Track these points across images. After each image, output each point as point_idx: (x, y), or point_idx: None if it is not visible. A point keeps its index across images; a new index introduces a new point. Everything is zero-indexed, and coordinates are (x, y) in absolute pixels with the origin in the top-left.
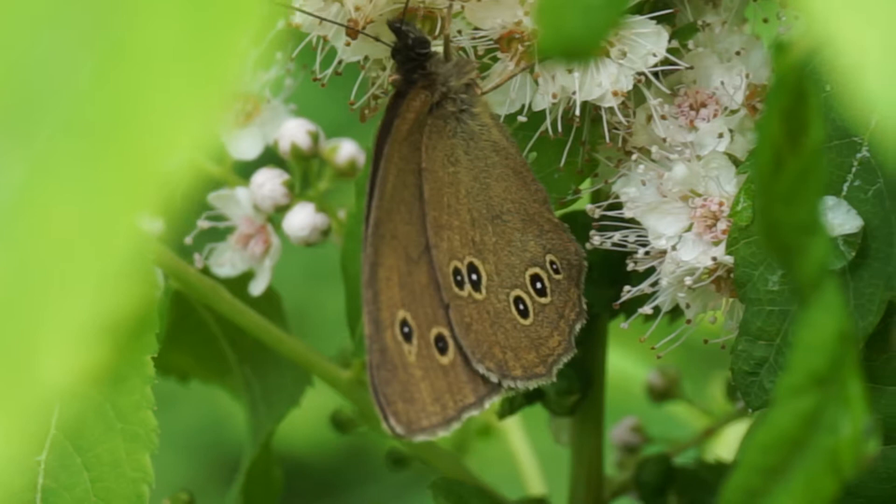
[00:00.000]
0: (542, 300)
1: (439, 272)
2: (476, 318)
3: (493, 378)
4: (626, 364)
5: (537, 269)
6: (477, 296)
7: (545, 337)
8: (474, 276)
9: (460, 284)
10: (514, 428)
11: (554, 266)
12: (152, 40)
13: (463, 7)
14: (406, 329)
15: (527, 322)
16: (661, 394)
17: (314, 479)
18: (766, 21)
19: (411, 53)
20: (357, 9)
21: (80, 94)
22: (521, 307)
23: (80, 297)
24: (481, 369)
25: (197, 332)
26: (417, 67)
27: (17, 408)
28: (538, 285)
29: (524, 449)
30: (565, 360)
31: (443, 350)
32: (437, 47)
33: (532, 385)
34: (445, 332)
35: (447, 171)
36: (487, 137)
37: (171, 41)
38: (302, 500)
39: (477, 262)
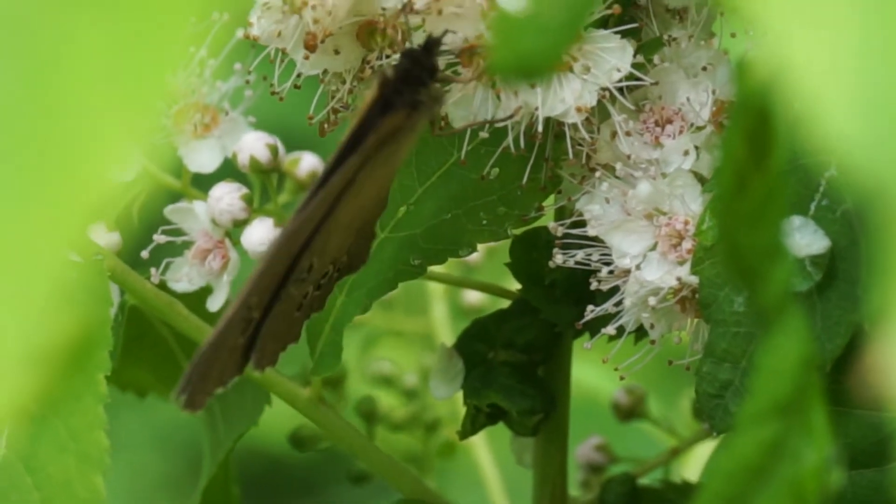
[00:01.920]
0: (315, 293)
1: (298, 267)
2: (280, 311)
3: (251, 362)
4: (592, 380)
5: (331, 267)
6: (294, 291)
7: (294, 328)
8: (305, 275)
9: (297, 281)
10: (479, 445)
11: (341, 265)
12: (83, 50)
13: (423, 20)
14: (245, 315)
15: (297, 315)
16: (628, 412)
17: (288, 478)
18: (733, 36)
19: (422, 74)
20: (315, 21)
21: (10, 108)
22: (303, 301)
23: (12, 324)
24: (254, 355)
25: (154, 347)
26: (415, 90)
27: None
28: (322, 281)
29: (489, 466)
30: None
31: (244, 333)
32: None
33: (263, 370)
34: (256, 318)
35: (362, 184)
36: (398, 158)
37: (104, 51)
38: (276, 499)
39: (315, 262)
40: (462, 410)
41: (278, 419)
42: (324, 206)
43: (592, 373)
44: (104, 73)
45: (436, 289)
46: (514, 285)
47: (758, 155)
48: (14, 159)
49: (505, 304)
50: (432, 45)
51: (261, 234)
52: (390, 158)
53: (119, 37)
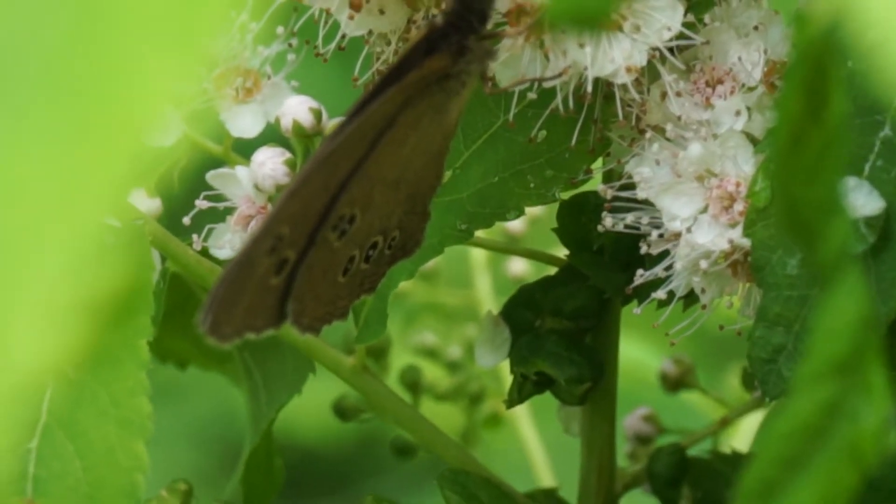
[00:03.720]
0: (364, 266)
1: (334, 211)
2: (319, 262)
3: (288, 317)
4: (639, 352)
5: (380, 238)
6: (336, 244)
7: (341, 298)
8: (346, 226)
9: (335, 229)
10: (523, 417)
11: (393, 241)
12: (127, 7)
13: None
14: (275, 245)
15: (342, 280)
16: (675, 382)
17: (322, 471)
18: None
19: (474, 19)
20: None
21: (51, 63)
22: (349, 266)
23: (55, 276)
24: (290, 305)
25: (195, 316)
26: (463, 35)
27: None
28: (370, 252)
29: (533, 439)
30: (336, 321)
31: (278, 273)
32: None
33: (304, 333)
34: (291, 259)
35: (406, 132)
36: (447, 117)
37: (147, 9)
38: (311, 492)
39: (357, 215)
40: (506, 383)
41: (312, 409)
42: (361, 142)
43: (638, 344)
44: (148, 27)
45: (479, 261)
46: (559, 253)
47: (815, 108)
48: (57, 108)
49: (551, 273)
50: None
51: None
52: (438, 114)
53: None
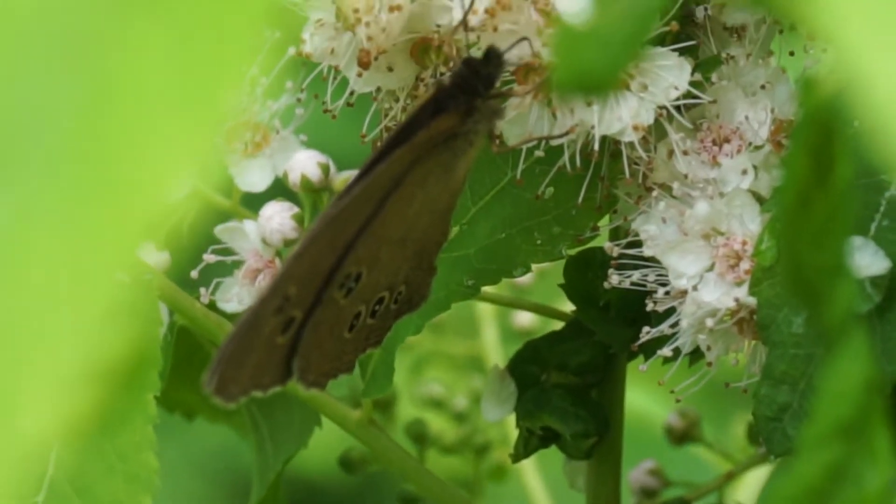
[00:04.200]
0: (370, 321)
1: (341, 270)
2: (325, 319)
3: (294, 374)
4: (645, 403)
5: (387, 293)
6: (342, 301)
7: (346, 353)
8: (352, 284)
9: (342, 287)
10: (528, 469)
11: (399, 296)
12: (142, 71)
13: (479, 37)
14: (282, 305)
15: (348, 336)
16: (681, 436)
17: None
18: (792, 54)
19: (480, 83)
20: (369, 38)
21: (68, 130)
22: (355, 322)
23: (66, 343)
24: (296, 362)
25: (203, 369)
26: (473, 97)
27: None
28: (377, 307)
29: (539, 491)
30: (341, 375)
31: (284, 332)
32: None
33: (309, 389)
34: (298, 318)
35: (413, 190)
36: (454, 175)
37: (162, 72)
38: None
39: (364, 273)
40: (512, 434)
41: (321, 444)
42: (368, 202)
43: (643, 396)
44: (164, 91)
45: (486, 311)
46: (566, 307)
47: (822, 172)
48: (70, 173)
49: (557, 327)
50: (492, 55)
51: None
52: (445, 173)
53: (180, 53)
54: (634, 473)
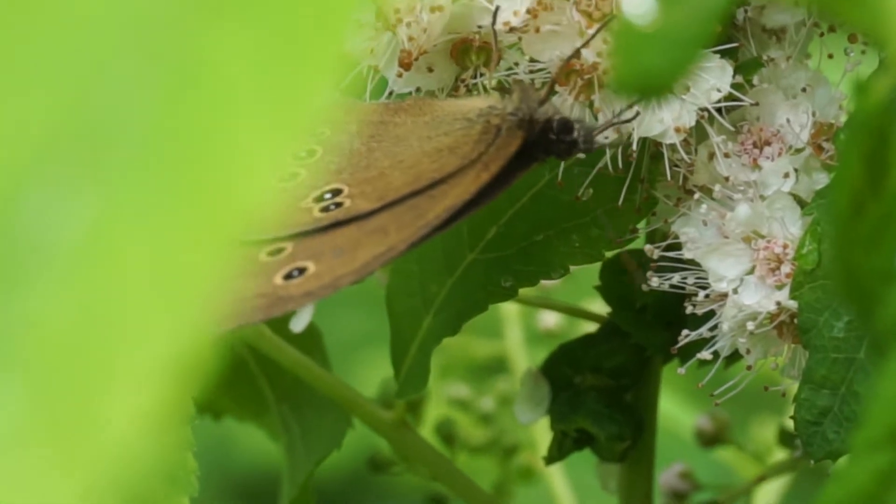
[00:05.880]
0: None
1: None
2: None
3: None
4: (675, 406)
5: None
6: None
7: None
8: None
9: None
10: (555, 470)
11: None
12: (230, 65)
13: (520, 38)
14: None
15: None
16: (711, 439)
17: None
18: (831, 57)
19: (554, 136)
20: (411, 39)
21: (152, 125)
22: None
23: (152, 342)
24: None
25: (234, 370)
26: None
27: (84, 457)
28: None
29: (566, 493)
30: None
31: None
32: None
33: None
34: None
35: None
36: None
37: (251, 67)
38: None
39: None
40: (539, 435)
41: (354, 440)
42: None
43: (672, 399)
44: (250, 86)
45: (510, 313)
46: (592, 307)
47: (875, 177)
48: (157, 170)
49: (583, 327)
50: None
51: None
52: None
53: (267, 46)
54: (665, 476)
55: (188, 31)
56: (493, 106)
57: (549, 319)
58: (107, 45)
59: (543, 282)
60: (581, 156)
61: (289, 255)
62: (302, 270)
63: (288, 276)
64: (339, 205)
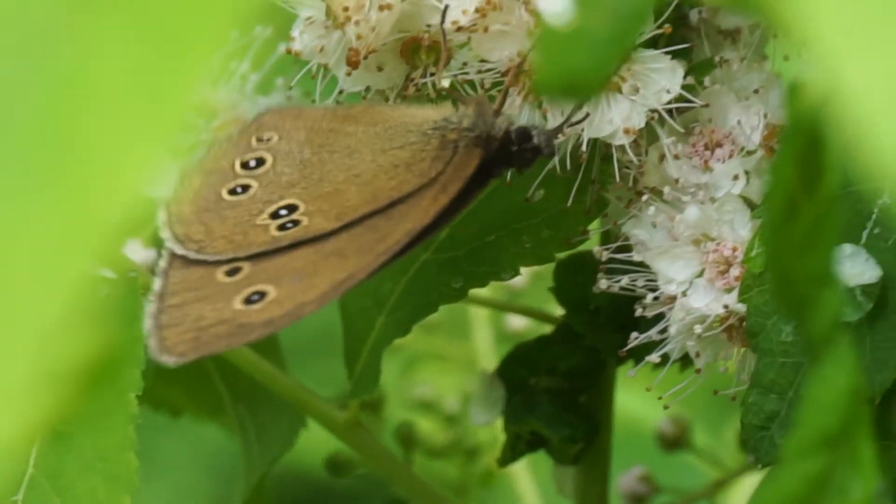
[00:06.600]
0: None
1: None
2: None
3: None
4: (638, 409)
5: None
6: None
7: None
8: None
9: None
10: (520, 473)
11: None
12: (101, 72)
13: (469, 38)
14: None
15: None
16: (672, 442)
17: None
18: (787, 59)
19: (514, 147)
20: (359, 37)
21: (25, 130)
22: None
23: (23, 348)
24: None
25: (190, 367)
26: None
27: None
28: None
29: (531, 495)
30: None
31: None
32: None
33: None
34: None
35: None
36: None
37: (122, 73)
38: None
39: None
40: (503, 437)
41: (317, 442)
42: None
43: (637, 401)
44: (131, 86)
45: (479, 313)
46: (559, 311)
47: (809, 180)
48: (34, 172)
49: (547, 331)
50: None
51: None
52: None
53: (148, 47)
54: (624, 479)
55: (70, 30)
56: (447, 119)
57: (518, 321)
58: None
59: (512, 283)
60: None
61: (246, 276)
62: (262, 295)
63: (247, 301)
64: (296, 223)
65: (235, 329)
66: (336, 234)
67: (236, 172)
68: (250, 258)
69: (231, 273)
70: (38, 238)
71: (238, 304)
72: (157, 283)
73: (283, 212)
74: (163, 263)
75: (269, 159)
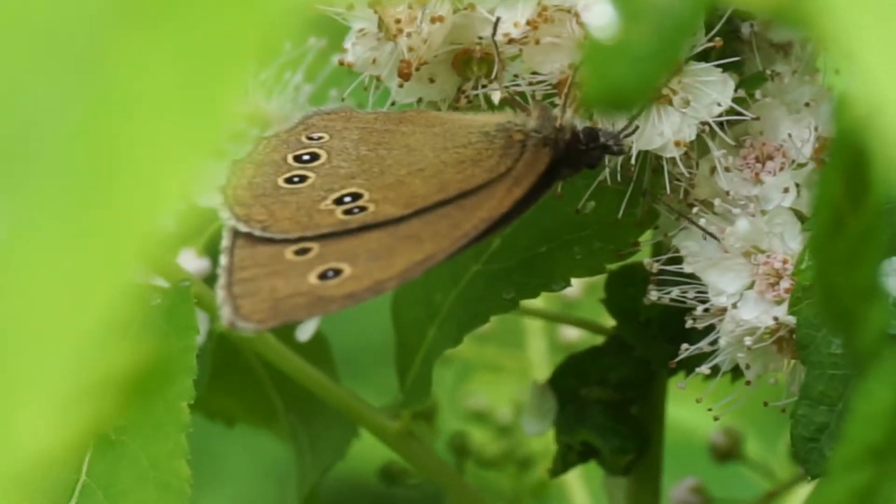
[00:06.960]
0: None
1: None
2: None
3: None
4: (691, 420)
5: None
6: None
7: None
8: None
9: None
10: (574, 483)
11: None
12: (143, 87)
13: (521, 50)
14: None
15: None
16: (725, 453)
17: None
18: (838, 72)
19: (582, 146)
20: (411, 49)
21: (67, 144)
22: None
23: (62, 358)
24: None
25: (243, 375)
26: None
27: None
28: None
29: None
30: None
31: None
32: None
33: None
34: None
35: None
36: None
37: (163, 88)
38: None
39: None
40: (554, 448)
41: (370, 451)
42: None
43: (688, 412)
44: (175, 98)
45: (533, 323)
46: (611, 322)
47: (855, 195)
48: (78, 184)
49: (599, 342)
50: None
51: None
52: None
53: (190, 60)
54: (675, 491)
55: (110, 39)
56: (511, 121)
57: (571, 331)
58: (26, 65)
59: (566, 294)
60: None
61: (317, 255)
62: (337, 272)
63: (322, 277)
64: (362, 209)
65: (315, 300)
66: (407, 219)
67: (290, 164)
68: (319, 238)
69: (300, 252)
70: (82, 249)
71: (313, 279)
72: (223, 259)
73: (348, 199)
74: (225, 242)
75: (324, 155)
